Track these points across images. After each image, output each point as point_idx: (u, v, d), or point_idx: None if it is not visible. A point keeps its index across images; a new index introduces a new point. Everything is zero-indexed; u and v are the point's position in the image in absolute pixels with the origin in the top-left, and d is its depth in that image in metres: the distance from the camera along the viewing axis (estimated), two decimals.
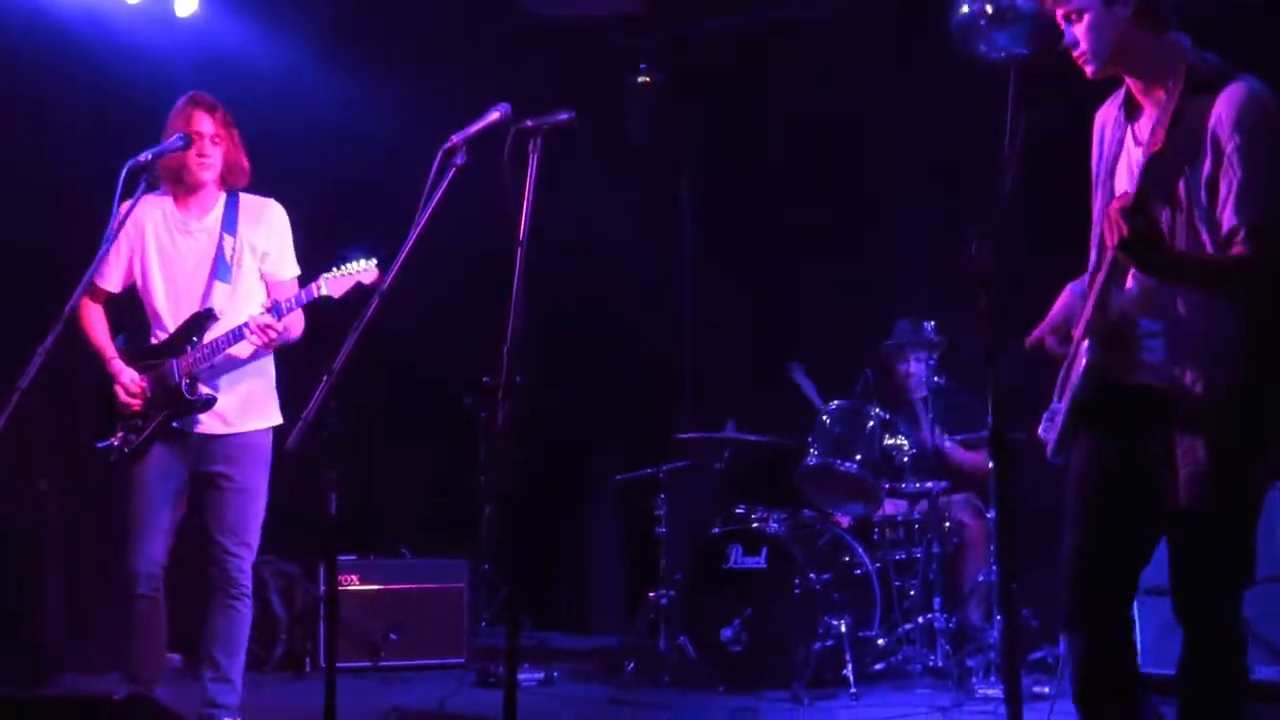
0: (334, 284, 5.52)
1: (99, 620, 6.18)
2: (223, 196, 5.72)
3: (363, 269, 5.54)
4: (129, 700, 3.57)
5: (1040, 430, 4.09)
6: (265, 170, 8.12)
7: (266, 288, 5.74)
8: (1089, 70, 3.84)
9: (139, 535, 5.50)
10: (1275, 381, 3.68)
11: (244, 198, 5.76)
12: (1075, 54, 3.84)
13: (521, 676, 7.31)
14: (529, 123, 4.13)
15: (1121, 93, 3.93)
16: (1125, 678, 3.93)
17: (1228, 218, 3.58)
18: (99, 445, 5.53)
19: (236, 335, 5.49)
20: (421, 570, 8.28)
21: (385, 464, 8.73)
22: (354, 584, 8.04)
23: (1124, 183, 3.84)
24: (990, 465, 7.64)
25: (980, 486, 7.71)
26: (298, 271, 5.82)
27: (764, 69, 9.36)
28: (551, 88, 7.32)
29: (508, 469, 4.47)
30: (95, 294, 5.61)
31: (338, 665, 4.23)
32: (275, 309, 5.48)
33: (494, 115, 4.20)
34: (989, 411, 3.59)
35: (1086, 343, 3.79)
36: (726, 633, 7.16)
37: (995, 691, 6.67)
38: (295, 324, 5.68)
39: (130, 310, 5.73)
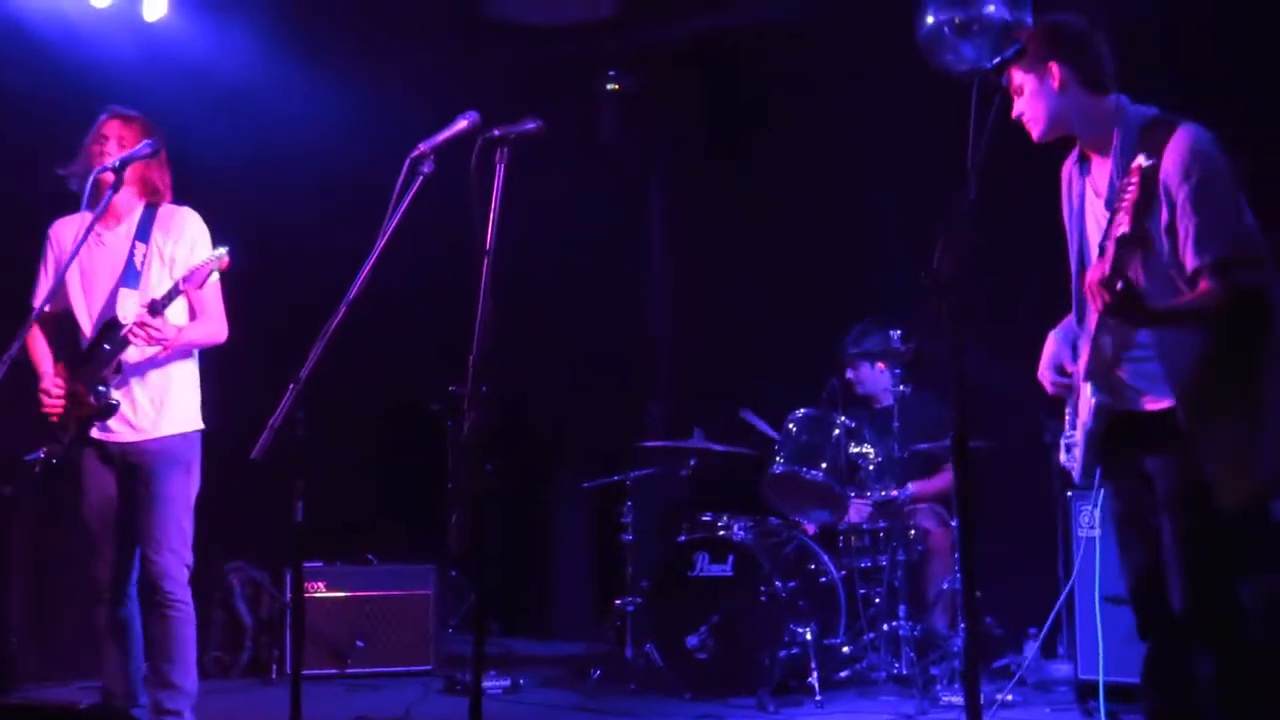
0: (189, 277, 5.43)
1: (65, 629, 6.15)
2: (140, 207, 5.70)
3: (215, 256, 5.47)
4: (94, 710, 3.57)
5: (1062, 461, 4.35)
6: (229, 173, 8.16)
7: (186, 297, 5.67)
8: (1034, 134, 4.17)
9: (93, 540, 5.57)
10: (1255, 404, 3.87)
11: (162, 208, 5.73)
12: (1024, 121, 4.16)
13: (488, 684, 7.35)
14: (497, 131, 4.14)
15: (1076, 149, 4.23)
16: (1189, 681, 4.05)
17: (1190, 260, 3.84)
18: (27, 458, 5.50)
19: (124, 340, 5.46)
20: (388, 577, 8.28)
21: (352, 471, 8.72)
22: (321, 591, 8.04)
23: (1094, 232, 4.11)
24: (949, 483, 7.74)
25: (945, 497, 7.75)
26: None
27: (735, 73, 9.38)
28: (521, 92, 7.36)
29: (475, 476, 4.48)
30: (39, 316, 5.55)
31: (304, 672, 4.24)
32: (153, 306, 5.40)
33: (462, 123, 4.21)
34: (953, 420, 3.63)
35: (1089, 385, 4.05)
36: (692, 640, 7.17)
37: (959, 699, 6.69)
38: (199, 328, 5.64)
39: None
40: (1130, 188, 3.70)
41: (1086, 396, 4.04)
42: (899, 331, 7.50)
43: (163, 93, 7.96)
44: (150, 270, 5.64)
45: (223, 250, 5.50)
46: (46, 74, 7.96)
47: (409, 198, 4.12)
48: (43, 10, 8.08)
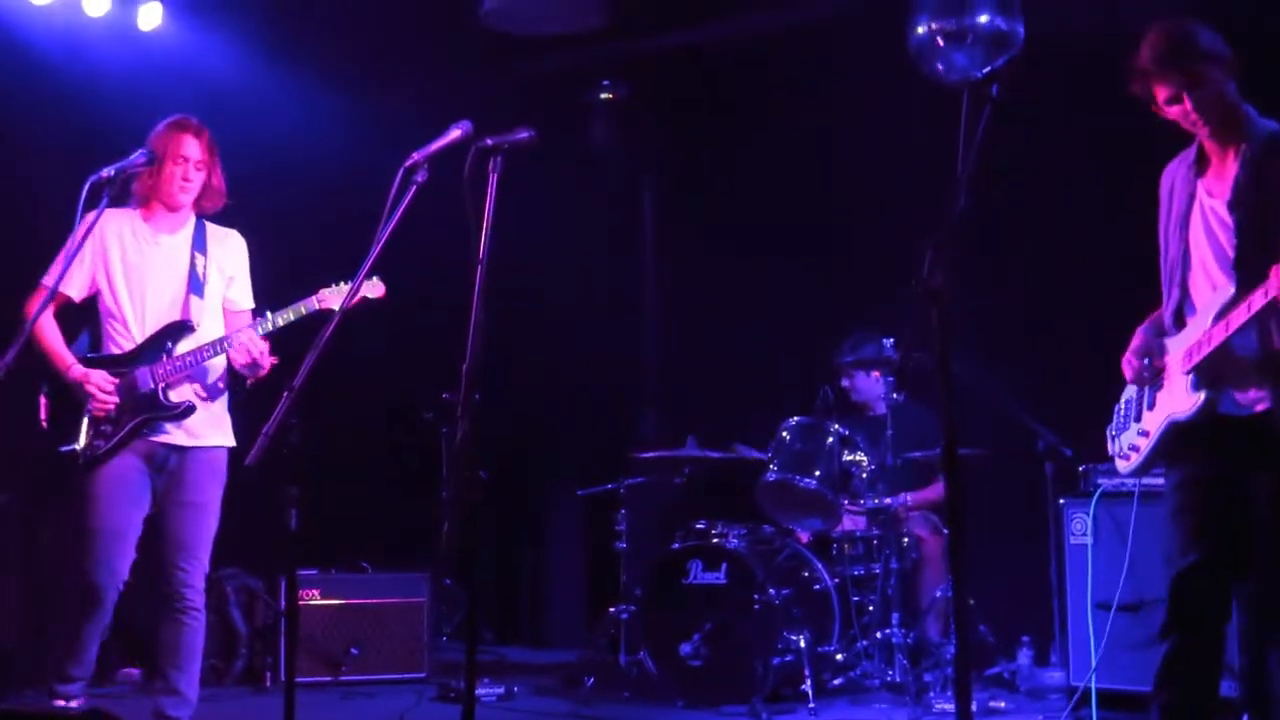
0: (337, 297, 5.41)
1: (60, 632, 6.14)
2: (192, 218, 5.73)
3: (371, 284, 5.45)
4: (88, 714, 3.58)
5: (1114, 450, 4.50)
6: (234, 187, 8.13)
7: (225, 316, 5.73)
8: (1203, 133, 4.21)
9: (102, 547, 5.42)
10: None
11: (210, 225, 5.77)
12: (1191, 120, 4.19)
13: (481, 691, 7.35)
14: (490, 141, 4.14)
15: (1193, 151, 4.30)
16: (1208, 682, 4.23)
17: None
18: (62, 449, 5.42)
19: (217, 348, 5.48)
20: (383, 585, 8.27)
21: (346, 479, 8.73)
22: (315, 598, 8.03)
23: (1199, 231, 4.21)
24: (932, 492, 7.76)
25: (938, 505, 7.76)
26: (253, 305, 5.82)
27: (725, 83, 9.40)
28: (514, 100, 7.38)
29: (468, 483, 4.49)
30: (52, 299, 5.50)
31: (298, 680, 4.25)
32: (258, 322, 5.49)
33: (455, 133, 4.23)
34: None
35: (1192, 378, 4.12)
36: (686, 648, 7.17)
37: (952, 706, 6.71)
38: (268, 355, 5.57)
39: (83, 319, 5.66)
40: None
41: (1186, 392, 4.11)
42: (891, 340, 7.53)
43: (157, 101, 7.97)
44: (210, 283, 5.67)
45: (376, 280, 5.45)
46: (43, 82, 7.98)
47: (403, 206, 4.12)
48: (39, 20, 8.10)
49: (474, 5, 8.05)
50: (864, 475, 7.54)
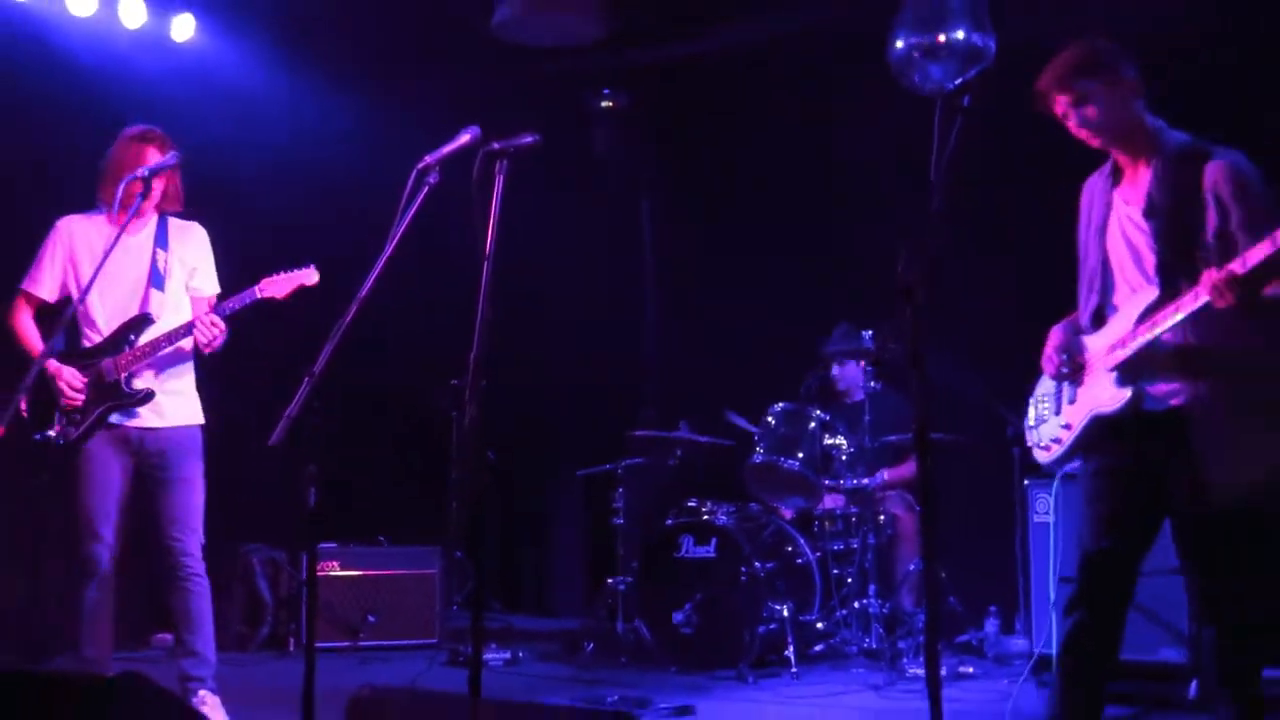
0: (276, 286, 5.60)
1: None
2: (154, 217, 5.75)
3: (305, 271, 5.66)
4: (120, 677, 3.57)
5: (1032, 442, 4.41)
6: (248, 181, 8.14)
7: (191, 303, 5.78)
8: (1098, 142, 4.19)
9: (91, 522, 5.50)
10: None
11: (172, 220, 5.80)
12: (1085, 132, 4.18)
13: (489, 656, 7.36)
14: (496, 145, 4.13)
15: (1109, 164, 4.27)
16: (1105, 657, 4.14)
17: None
18: (36, 437, 5.50)
19: (178, 334, 5.54)
20: (397, 557, 8.29)
21: (364, 459, 8.72)
22: (334, 570, 8.05)
23: (1117, 238, 4.18)
24: (906, 473, 7.75)
25: (912, 485, 7.76)
26: (219, 290, 5.86)
27: (719, 91, 9.38)
28: (520, 107, 7.36)
29: (477, 463, 4.48)
30: (30, 301, 5.69)
31: (318, 645, 4.23)
32: (219, 309, 5.55)
33: (465, 137, 4.21)
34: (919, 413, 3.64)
35: (1117, 375, 4.07)
36: (678, 616, 7.18)
37: (924, 671, 6.71)
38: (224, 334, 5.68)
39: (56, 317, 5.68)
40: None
41: (1111, 387, 4.07)
42: (870, 332, 7.53)
43: (188, 107, 7.98)
44: (172, 276, 5.73)
45: (311, 267, 5.65)
46: (82, 89, 7.97)
47: (415, 206, 4.12)
48: (80, 31, 8.09)
49: (484, 18, 8.04)
50: (843, 457, 7.55)
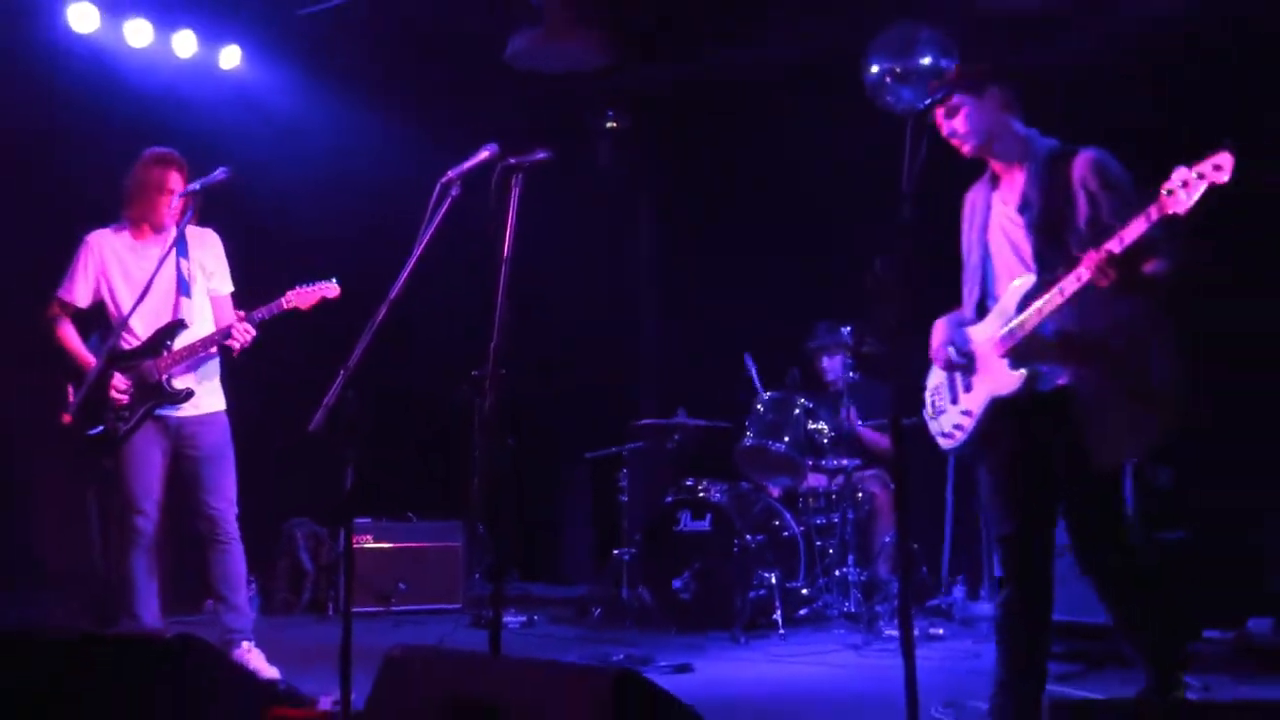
0: (301, 297, 5.72)
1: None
2: (173, 228, 5.79)
3: (326, 285, 5.77)
4: (178, 638, 3.59)
5: (939, 433, 4.32)
6: (286, 196, 8.14)
7: (211, 303, 5.89)
8: (966, 149, 4.18)
9: (137, 499, 5.61)
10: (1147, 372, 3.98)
11: (189, 227, 5.83)
12: (955, 141, 4.17)
13: (507, 619, 7.37)
14: (513, 160, 4.13)
15: (987, 174, 4.26)
16: (1041, 621, 4.11)
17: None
18: (90, 433, 5.59)
19: (213, 340, 5.68)
20: (425, 531, 8.31)
21: (393, 443, 8.71)
22: (369, 543, 8.06)
23: (998, 236, 4.16)
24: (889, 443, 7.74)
25: (888, 463, 7.75)
26: (232, 288, 5.98)
27: (712, 112, 9.37)
28: (533, 127, 7.36)
29: (497, 447, 4.50)
30: (65, 308, 5.75)
31: (355, 610, 4.24)
32: (251, 317, 5.68)
33: (484, 154, 4.20)
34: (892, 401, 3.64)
35: (1009, 360, 4.02)
36: (677, 584, 7.19)
37: (898, 632, 6.72)
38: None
39: (92, 322, 5.82)
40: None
41: (1006, 372, 4.02)
42: (848, 328, 7.53)
43: (233, 128, 7.99)
44: (195, 282, 5.83)
45: (333, 280, 5.77)
46: (141, 112, 7.96)
47: (440, 215, 4.12)
48: (138, 60, 8.09)
49: (500, 48, 8.05)
50: (825, 441, 7.54)
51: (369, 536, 8.07)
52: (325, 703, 4.56)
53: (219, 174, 5.49)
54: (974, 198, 4.31)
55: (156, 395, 5.63)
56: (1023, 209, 4.09)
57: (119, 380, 5.59)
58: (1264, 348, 6.48)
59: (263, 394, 6.13)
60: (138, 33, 8.02)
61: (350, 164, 8.72)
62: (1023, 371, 3.98)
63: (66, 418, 5.15)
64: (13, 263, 7.13)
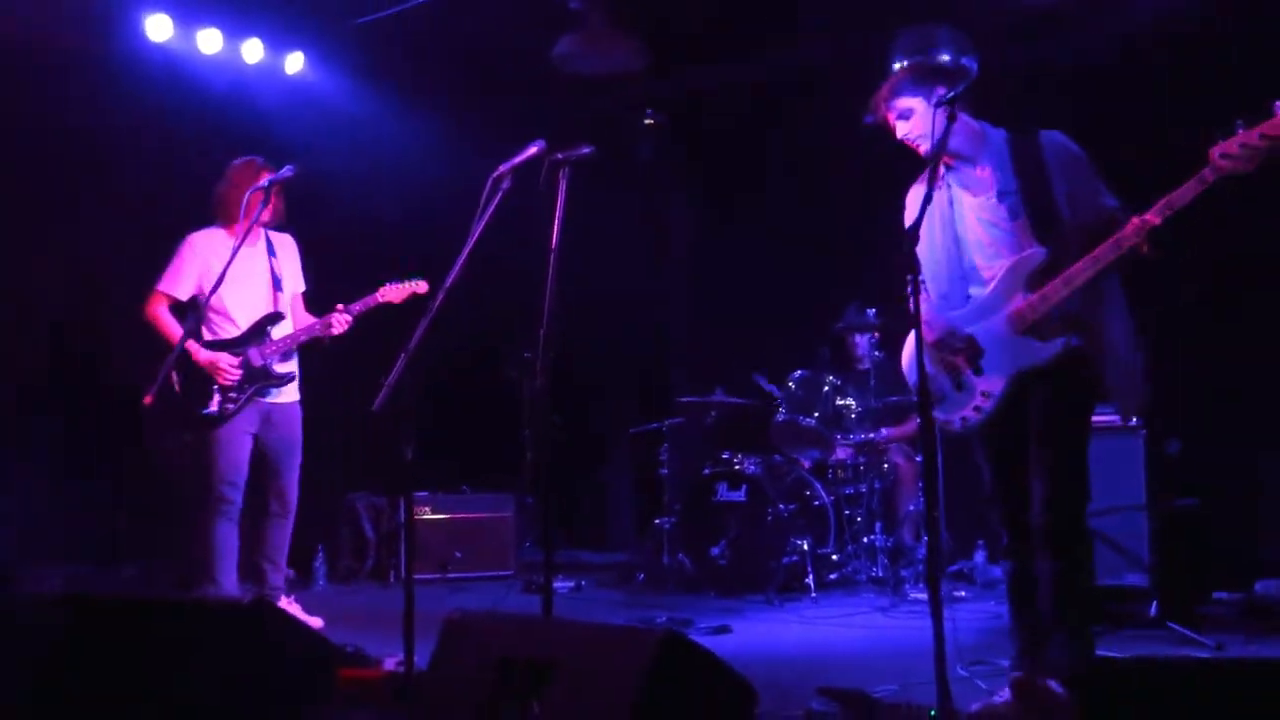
0: (394, 293, 5.92)
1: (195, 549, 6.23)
2: (263, 231, 6.00)
3: (416, 283, 5.93)
4: (255, 603, 3.62)
5: (947, 416, 4.13)
6: (350, 191, 8.16)
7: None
8: (923, 149, 4.03)
9: (228, 474, 5.77)
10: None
11: (271, 233, 6.05)
12: (910, 144, 4.07)
13: (556, 584, 7.36)
14: (559, 155, 4.12)
15: (930, 173, 3.85)
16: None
17: (1109, 203, 3.88)
18: (204, 412, 5.74)
19: (315, 329, 5.86)
20: (479, 503, 8.33)
21: (450, 420, 8.73)
22: (426, 514, 8.08)
23: (973, 229, 4.02)
24: (906, 429, 7.68)
25: (910, 439, 7.70)
26: (304, 287, 6.19)
27: (746, 111, 9.32)
28: (576, 125, 7.33)
29: (545, 424, 4.49)
30: (165, 299, 5.89)
31: (415, 577, 4.25)
32: (349, 309, 5.86)
33: (532, 149, 4.19)
34: (918, 378, 3.58)
35: (1033, 334, 3.90)
36: (715, 551, 7.18)
37: (923, 595, 6.69)
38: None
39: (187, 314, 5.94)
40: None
41: (1030, 344, 3.91)
42: (874, 310, 7.50)
43: (298, 129, 8.02)
44: (284, 279, 6.02)
45: (421, 278, 5.91)
46: (212, 115, 8.01)
47: (492, 208, 4.11)
48: (209, 66, 8.13)
49: (545, 51, 8.04)
50: (853, 415, 7.51)
51: (427, 508, 8.09)
52: (390, 663, 4.58)
53: (286, 171, 5.52)
54: (922, 196, 3.83)
55: (263, 378, 5.82)
56: (1002, 197, 3.95)
57: (229, 361, 5.74)
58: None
59: (326, 376, 6.19)
60: (209, 41, 8.06)
61: (407, 161, 8.73)
62: (1060, 340, 3.87)
63: (148, 399, 5.19)
64: (100, 252, 7.21)
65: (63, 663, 3.22)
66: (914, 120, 4.03)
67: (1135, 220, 3.67)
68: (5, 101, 7.27)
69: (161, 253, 5.96)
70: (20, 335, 7.51)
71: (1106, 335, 3.88)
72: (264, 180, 5.56)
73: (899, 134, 4.07)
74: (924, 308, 4.08)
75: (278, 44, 8.39)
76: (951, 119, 3.78)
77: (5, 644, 3.28)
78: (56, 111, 7.46)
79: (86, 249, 7.66)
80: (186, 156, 7.71)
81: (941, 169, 4.06)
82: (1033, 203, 3.90)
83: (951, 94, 3.84)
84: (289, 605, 5.85)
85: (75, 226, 7.65)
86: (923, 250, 4.07)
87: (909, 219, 4.03)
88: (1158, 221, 3.62)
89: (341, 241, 7.67)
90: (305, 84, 8.59)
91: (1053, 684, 3.81)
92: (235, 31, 8.18)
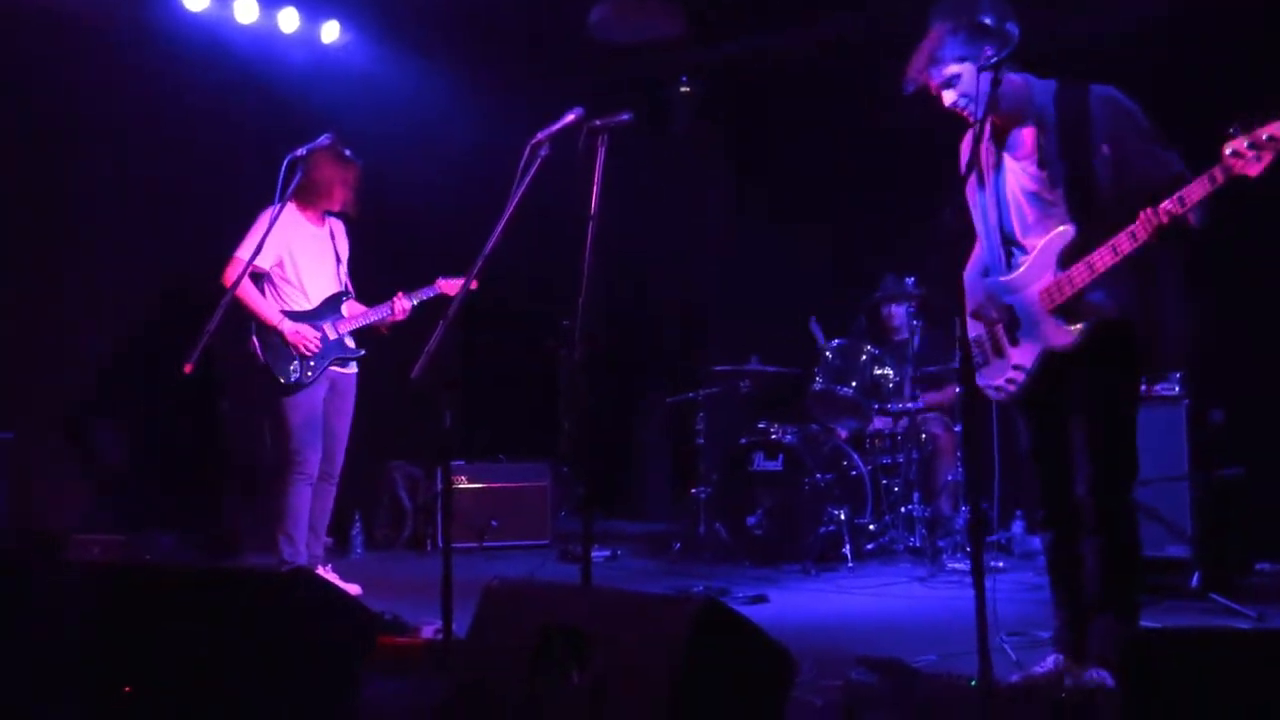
0: (452, 286, 6.19)
1: (271, 509, 6.26)
2: (327, 216, 6.25)
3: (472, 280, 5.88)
4: (294, 572, 3.65)
5: (990, 387, 4.07)
6: (388, 160, 8.17)
7: None
8: (975, 115, 3.80)
9: (309, 440, 6.00)
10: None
11: (331, 219, 6.28)
12: (958, 110, 3.89)
13: (593, 553, 7.37)
14: (598, 122, 4.09)
15: (979, 128, 3.76)
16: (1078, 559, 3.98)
17: (1169, 165, 3.71)
18: (290, 380, 5.95)
19: (382, 310, 6.17)
20: (515, 472, 8.36)
21: (487, 389, 8.76)
22: (463, 483, 8.12)
23: (1015, 192, 3.91)
24: (944, 398, 7.64)
25: (948, 408, 7.66)
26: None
27: (782, 78, 9.26)
28: (612, 93, 7.31)
29: (583, 393, 4.48)
30: (242, 266, 5.79)
31: (452, 545, 4.27)
32: (411, 296, 6.16)
33: (570, 117, 4.17)
34: (956, 348, 3.54)
35: (1060, 315, 3.81)
36: (751, 520, 7.18)
37: (960, 565, 6.68)
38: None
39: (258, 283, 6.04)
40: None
41: (1058, 327, 3.81)
42: (912, 279, 7.46)
43: (334, 98, 8.02)
44: (343, 260, 6.27)
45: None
46: (247, 84, 8.03)
47: (530, 175, 4.10)
48: (245, 36, 8.15)
49: (582, 19, 8.01)
50: (890, 385, 7.47)
51: (463, 477, 8.13)
52: (428, 631, 4.61)
53: (323, 140, 5.50)
54: (974, 147, 3.84)
55: (339, 350, 6.09)
56: (1042, 164, 3.83)
57: (310, 333, 5.97)
58: None
59: (365, 344, 6.24)
60: (245, 10, 8.07)
61: (443, 129, 8.72)
62: (1079, 326, 3.79)
63: (187, 367, 5.20)
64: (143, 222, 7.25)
65: (107, 630, 3.25)
66: (961, 85, 3.86)
67: (1147, 212, 3.56)
68: (41, 73, 7.31)
69: (198, 220, 6.01)
70: (67, 308, 7.57)
71: (1156, 307, 3.81)
72: (300, 150, 5.51)
73: (946, 102, 3.91)
74: (966, 274, 4.06)
75: (313, 12, 8.40)
76: (996, 83, 3.68)
77: (54, 612, 3.31)
78: (91, 82, 7.49)
79: (119, 218, 7.70)
80: (222, 125, 7.75)
81: (988, 129, 3.95)
82: (1071, 172, 3.78)
83: (997, 58, 3.73)
84: (326, 573, 5.91)
85: (114, 196, 7.69)
86: (974, 212, 4.03)
87: (970, 179, 3.99)
88: (1166, 222, 3.52)
89: (380, 210, 7.66)
90: (341, 53, 8.59)
91: (1096, 673, 3.78)
92: (271, 1, 8.18)
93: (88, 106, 7.49)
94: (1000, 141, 3.97)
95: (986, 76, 3.69)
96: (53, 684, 3.23)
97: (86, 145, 7.55)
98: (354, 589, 5.80)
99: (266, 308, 5.94)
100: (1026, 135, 3.90)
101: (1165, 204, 3.53)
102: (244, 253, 5.80)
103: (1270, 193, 3.49)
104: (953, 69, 3.86)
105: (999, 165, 3.96)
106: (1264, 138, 3.32)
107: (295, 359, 5.95)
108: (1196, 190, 3.47)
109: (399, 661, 4.24)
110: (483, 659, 3.19)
